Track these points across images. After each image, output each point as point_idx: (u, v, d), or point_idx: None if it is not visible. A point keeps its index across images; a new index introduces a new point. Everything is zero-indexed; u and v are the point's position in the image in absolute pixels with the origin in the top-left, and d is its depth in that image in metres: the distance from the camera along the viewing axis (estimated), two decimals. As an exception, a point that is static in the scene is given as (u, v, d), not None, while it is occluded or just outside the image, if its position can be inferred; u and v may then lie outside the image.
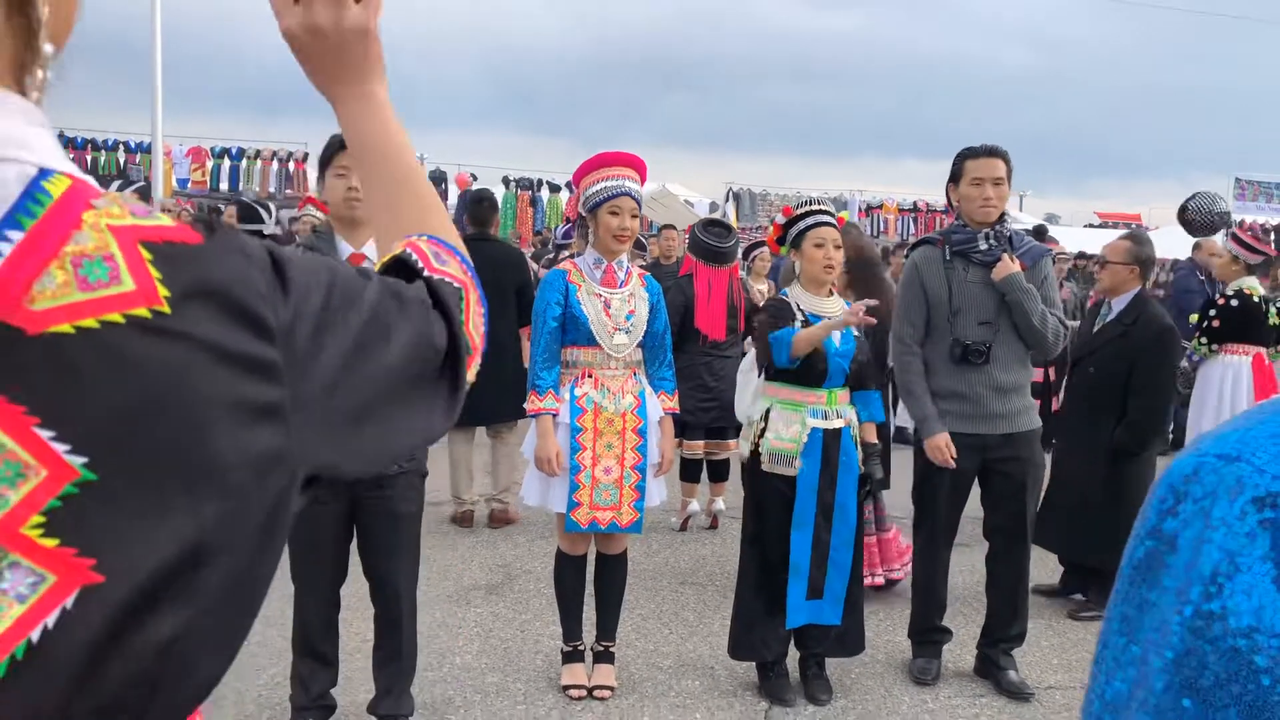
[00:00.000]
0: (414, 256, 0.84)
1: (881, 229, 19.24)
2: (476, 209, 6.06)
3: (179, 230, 0.59)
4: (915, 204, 19.86)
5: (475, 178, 21.16)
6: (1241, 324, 6.26)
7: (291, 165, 21.17)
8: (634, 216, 3.65)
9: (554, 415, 3.58)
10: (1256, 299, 6.24)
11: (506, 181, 20.76)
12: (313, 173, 21.27)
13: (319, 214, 8.65)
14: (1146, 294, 4.88)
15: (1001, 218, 3.90)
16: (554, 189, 20.88)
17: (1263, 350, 6.28)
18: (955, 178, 3.92)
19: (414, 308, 0.75)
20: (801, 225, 3.76)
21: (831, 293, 3.84)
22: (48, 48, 0.62)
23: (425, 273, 0.82)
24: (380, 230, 0.92)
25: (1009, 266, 3.81)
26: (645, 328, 3.71)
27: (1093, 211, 26.05)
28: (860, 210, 19.18)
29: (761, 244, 7.82)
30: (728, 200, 19.24)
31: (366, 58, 0.90)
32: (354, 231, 3.19)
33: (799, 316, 3.69)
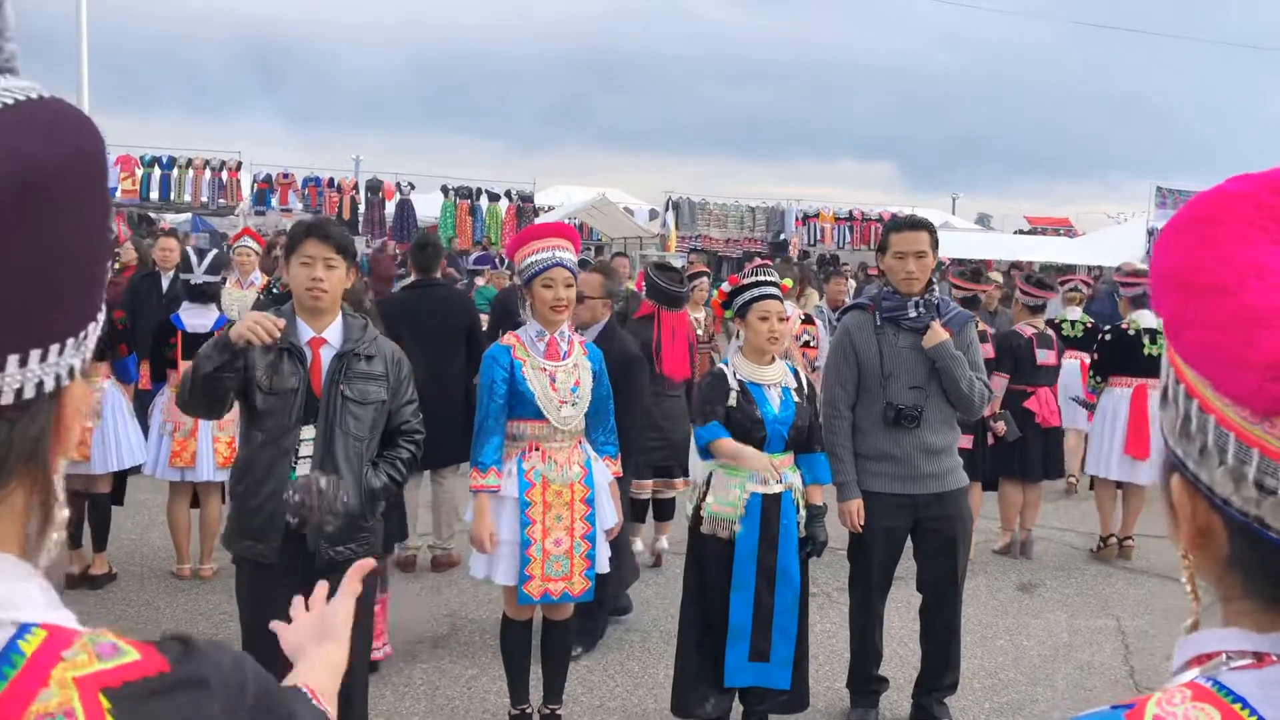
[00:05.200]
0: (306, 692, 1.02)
1: (819, 237, 19.51)
2: (421, 255, 6.12)
3: (143, 664, 0.65)
4: (851, 212, 20.16)
5: (413, 186, 21.01)
6: (1114, 356, 6.47)
7: (225, 174, 20.81)
8: (568, 286, 3.73)
9: (494, 492, 3.64)
10: (1133, 332, 6.40)
11: (445, 190, 20.63)
12: (247, 179, 20.99)
13: (255, 245, 8.59)
14: (614, 324, 4.83)
15: (929, 285, 4.05)
16: (493, 197, 20.79)
17: (1146, 381, 6.33)
18: (883, 249, 4.07)
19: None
20: (747, 296, 3.86)
21: (773, 359, 3.93)
22: (63, 513, 0.70)
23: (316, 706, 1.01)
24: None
25: (939, 334, 3.95)
26: (590, 397, 3.79)
27: (1023, 216, 26.66)
28: (797, 219, 19.44)
29: (700, 274, 7.99)
30: (667, 209, 19.35)
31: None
32: (316, 318, 3.23)
33: (734, 388, 3.79)
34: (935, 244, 4.07)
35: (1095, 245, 19.03)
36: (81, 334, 0.68)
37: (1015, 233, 23.22)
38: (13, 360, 0.62)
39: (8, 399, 0.63)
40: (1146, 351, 6.33)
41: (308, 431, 3.16)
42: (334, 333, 3.24)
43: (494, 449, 3.65)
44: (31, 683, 0.60)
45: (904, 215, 4.14)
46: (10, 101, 0.64)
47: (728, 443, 3.74)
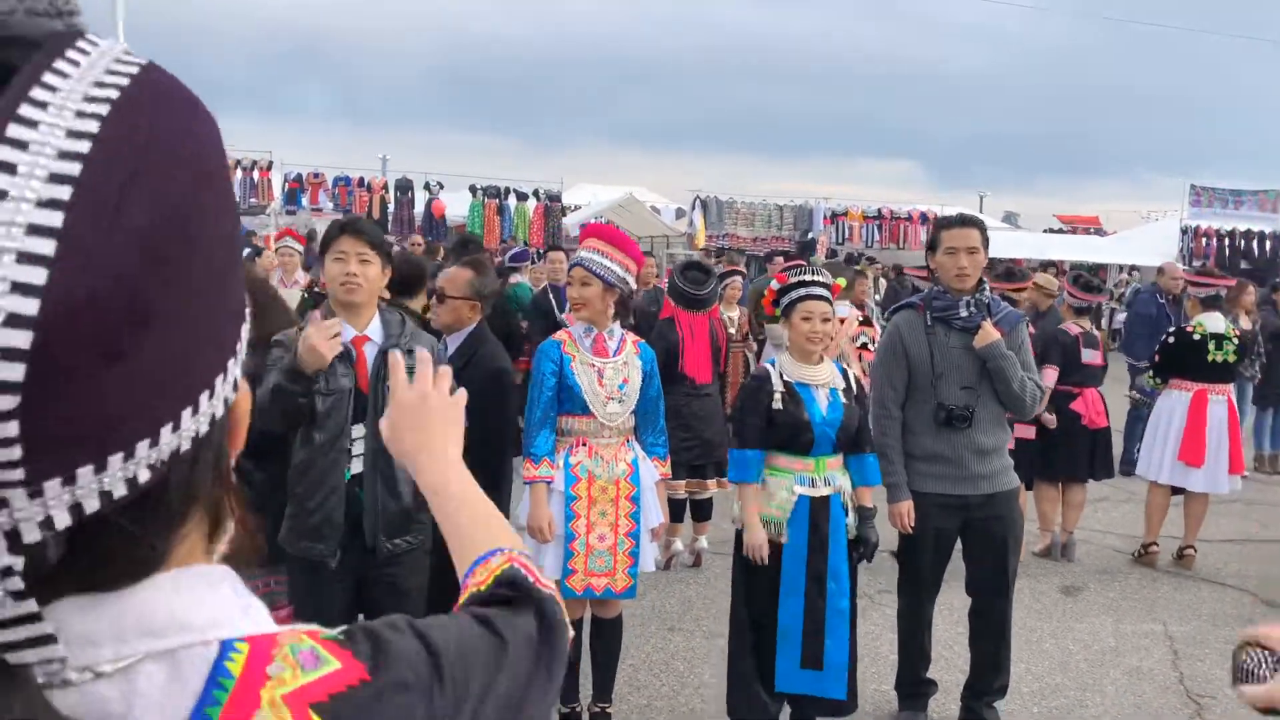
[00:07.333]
0: (524, 574, 0.95)
1: (846, 236, 19.42)
2: (463, 253, 6.15)
3: (344, 673, 0.65)
4: (880, 211, 20.04)
5: (441, 186, 21.10)
6: (1173, 360, 6.36)
7: (256, 174, 20.94)
8: (584, 285, 3.75)
9: (549, 483, 3.66)
10: (1198, 336, 6.27)
11: (473, 190, 20.68)
12: (278, 178, 21.13)
13: (297, 245, 8.65)
14: (484, 331, 4.13)
15: (980, 284, 4.01)
16: (521, 197, 20.84)
17: (1206, 387, 6.25)
18: (932, 246, 4.03)
19: (524, 651, 0.85)
20: (792, 295, 3.83)
21: (821, 359, 3.88)
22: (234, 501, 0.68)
23: (537, 590, 0.93)
24: (461, 546, 1.05)
25: (991, 334, 3.91)
26: (639, 395, 3.79)
27: (1052, 214, 26.44)
28: (825, 217, 19.36)
29: (732, 273, 7.95)
30: (694, 209, 19.33)
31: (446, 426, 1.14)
32: (354, 315, 3.22)
33: (779, 389, 3.76)
34: (986, 241, 4.03)
35: (1128, 244, 18.85)
36: (241, 341, 0.64)
37: (1045, 231, 23.04)
38: (204, 398, 0.59)
39: (186, 443, 0.59)
40: (1210, 357, 6.22)
41: (357, 430, 3.17)
42: (374, 329, 3.24)
43: (545, 440, 3.68)
44: (246, 706, 0.60)
45: (952, 213, 4.09)
46: (135, 71, 0.56)
47: (748, 510, 3.76)
